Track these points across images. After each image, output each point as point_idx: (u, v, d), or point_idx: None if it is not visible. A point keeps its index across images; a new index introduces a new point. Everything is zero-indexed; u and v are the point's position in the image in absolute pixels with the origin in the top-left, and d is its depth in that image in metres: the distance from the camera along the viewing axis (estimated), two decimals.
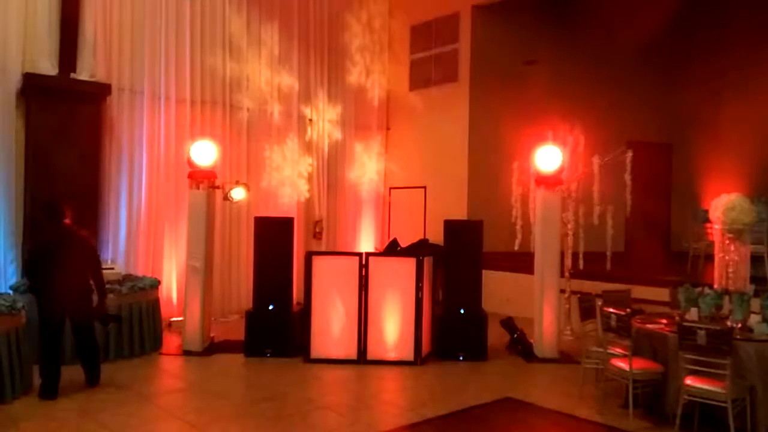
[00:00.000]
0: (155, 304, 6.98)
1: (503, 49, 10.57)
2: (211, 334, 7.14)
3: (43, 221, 5.49)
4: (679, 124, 11.49)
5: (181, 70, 8.74)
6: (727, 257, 5.74)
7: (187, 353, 6.74)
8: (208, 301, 6.97)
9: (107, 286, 5.92)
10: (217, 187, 7.15)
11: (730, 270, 5.69)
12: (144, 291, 6.76)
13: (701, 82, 11.59)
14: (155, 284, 7.08)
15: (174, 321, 7.92)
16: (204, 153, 6.91)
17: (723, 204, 5.65)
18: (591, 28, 10.80)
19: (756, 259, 7.42)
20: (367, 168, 11.17)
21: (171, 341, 7.20)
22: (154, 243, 8.39)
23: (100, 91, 7.89)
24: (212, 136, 8.43)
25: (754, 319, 5.06)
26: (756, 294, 5.47)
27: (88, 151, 7.74)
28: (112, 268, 6.91)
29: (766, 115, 10.70)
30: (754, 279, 6.46)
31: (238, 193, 7.25)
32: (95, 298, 5.58)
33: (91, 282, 5.51)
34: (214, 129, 8.85)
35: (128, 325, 6.50)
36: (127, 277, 7.03)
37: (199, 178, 6.94)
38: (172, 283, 8.42)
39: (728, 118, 11.59)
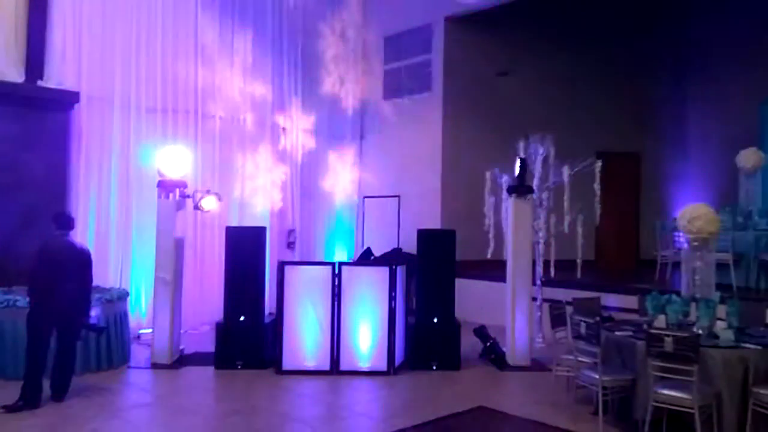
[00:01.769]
0: (123, 316, 6.85)
1: (476, 60, 10.69)
2: (181, 347, 7.02)
3: (52, 230, 5.50)
4: (646, 135, 11.74)
5: (151, 79, 8.65)
6: (693, 265, 5.85)
7: (155, 366, 6.62)
8: (177, 313, 6.85)
9: None
10: (188, 197, 7.06)
11: (697, 278, 5.80)
12: (112, 303, 6.61)
13: (668, 93, 11.87)
14: (123, 296, 6.95)
15: (143, 333, 7.77)
16: (174, 162, 6.82)
17: (689, 214, 5.76)
18: (561, 41, 11.00)
19: (722, 267, 7.60)
20: (341, 177, 11.15)
21: (140, 354, 7.06)
22: (123, 253, 8.24)
23: (68, 99, 7.77)
24: (184, 145, 8.35)
25: (720, 326, 5.16)
26: (722, 301, 5.59)
27: (55, 159, 7.61)
28: None
29: (731, 125, 10.99)
30: (720, 286, 6.60)
31: (209, 203, 7.17)
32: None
33: None
34: (185, 138, 8.76)
35: (95, 338, 6.36)
36: (95, 289, 6.84)
37: (169, 187, 6.85)
38: (141, 294, 8.27)
39: (694, 128, 11.90)
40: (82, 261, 5.50)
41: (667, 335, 4.55)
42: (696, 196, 10.78)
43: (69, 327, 5.47)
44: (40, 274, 5.30)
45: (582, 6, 10.52)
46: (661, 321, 5.20)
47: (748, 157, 8.98)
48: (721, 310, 5.40)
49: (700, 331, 4.99)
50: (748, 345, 4.81)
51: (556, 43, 10.98)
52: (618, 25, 11.30)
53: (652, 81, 11.74)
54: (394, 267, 6.64)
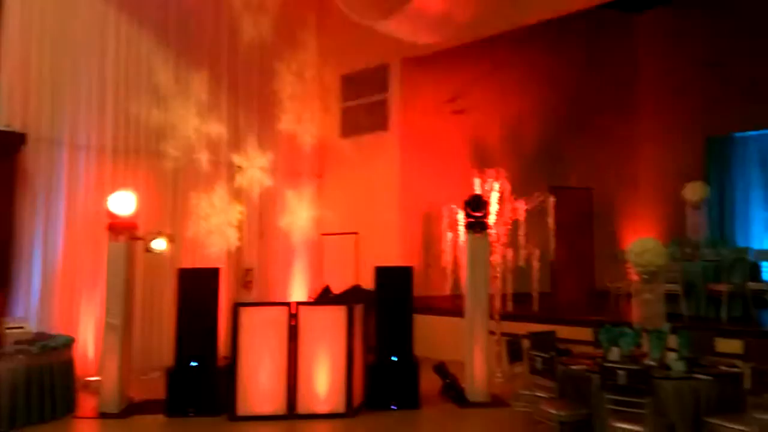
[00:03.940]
0: (68, 364, 6.55)
1: (432, 98, 10.88)
2: (130, 394, 6.74)
3: None
4: (598, 170, 12.07)
5: (102, 119, 8.50)
6: (643, 297, 5.97)
7: (103, 416, 6.33)
8: (126, 359, 6.60)
9: (17, 346, 5.95)
10: (139, 239, 6.89)
11: (647, 309, 5.91)
12: (56, 350, 6.35)
13: (618, 129, 12.28)
14: (68, 343, 6.66)
15: (90, 380, 7.44)
16: (123, 203, 6.67)
17: (637, 247, 5.91)
18: (515, 80, 11.33)
19: (672, 297, 7.78)
20: (299, 215, 11.07)
21: (87, 403, 6.73)
22: (71, 299, 7.95)
23: (14, 141, 7.54)
24: (135, 186, 8.19)
25: (671, 357, 5.24)
26: (673, 331, 5.69)
27: (0, 204, 7.35)
28: (22, 327, 6.46)
29: (678, 160, 11.43)
30: (671, 316, 6.73)
31: (159, 244, 7.00)
32: None
33: None
34: (137, 178, 8.60)
35: (38, 388, 6.06)
36: (39, 337, 6.60)
37: (119, 229, 6.68)
38: (88, 341, 7.96)
39: (643, 163, 12.32)
40: None
41: (620, 368, 4.60)
42: (646, 228, 11.11)
43: None
44: None
45: (535, 46, 10.90)
46: (614, 353, 5.26)
47: (693, 191, 9.30)
48: (673, 340, 5.50)
49: (652, 363, 5.07)
50: (699, 375, 4.90)
51: (510, 81, 11.30)
52: (570, 64, 11.74)
53: (603, 118, 12.14)
54: (351, 305, 6.57)
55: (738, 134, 11.26)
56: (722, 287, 7.92)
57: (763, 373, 4.54)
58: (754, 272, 8.64)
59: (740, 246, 9.98)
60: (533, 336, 5.98)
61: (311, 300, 10.34)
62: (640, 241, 6.04)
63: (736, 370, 5.03)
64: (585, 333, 7.25)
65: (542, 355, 5.07)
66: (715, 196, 10.58)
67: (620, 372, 4.56)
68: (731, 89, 10.71)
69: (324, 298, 10.24)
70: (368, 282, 9.33)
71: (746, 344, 5.78)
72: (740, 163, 11.22)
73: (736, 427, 4.48)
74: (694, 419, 4.69)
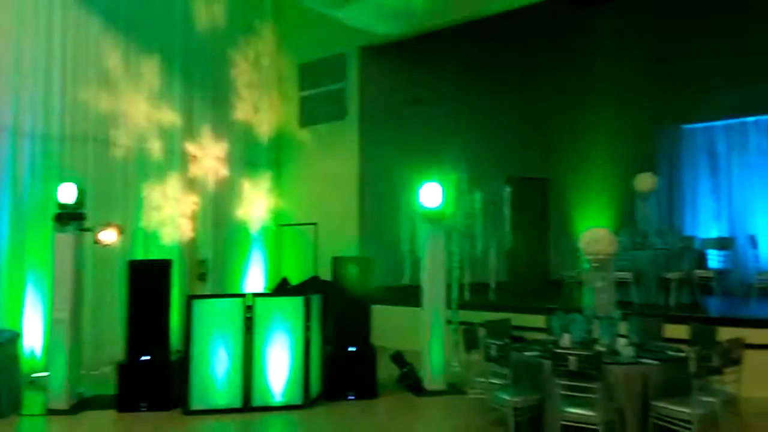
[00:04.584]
0: (13, 359, 6.33)
1: (390, 88, 10.84)
2: (80, 390, 6.54)
3: None
4: (553, 160, 12.28)
5: (49, 105, 8.18)
6: (595, 285, 6.09)
7: (51, 413, 6.12)
8: (75, 354, 6.40)
9: None
10: (87, 230, 6.67)
11: (599, 296, 6.04)
12: (1, 346, 6.11)
13: (572, 122, 12.49)
14: (14, 337, 6.43)
15: (37, 377, 7.20)
16: (70, 192, 6.43)
17: (588, 236, 6.02)
18: (474, 71, 11.40)
19: (623, 285, 7.99)
20: (256, 205, 10.92)
21: (34, 400, 6.51)
22: (16, 291, 7.65)
23: None
24: (84, 175, 7.96)
25: (621, 343, 5.38)
26: (624, 318, 5.84)
27: None
28: None
29: (629, 151, 11.70)
30: (622, 303, 6.90)
31: (108, 236, 6.78)
32: None
33: None
34: (86, 167, 8.32)
35: None
36: None
37: (67, 220, 6.44)
38: (36, 336, 7.68)
39: (597, 153, 12.57)
40: None
41: (571, 354, 4.68)
42: (598, 218, 11.38)
43: None
44: None
45: (493, 39, 10.97)
46: (565, 340, 5.36)
47: (643, 181, 9.51)
48: (624, 328, 5.64)
49: (603, 349, 5.18)
50: (647, 360, 5.04)
51: (469, 72, 11.36)
52: (526, 57, 11.86)
53: (557, 110, 12.32)
54: (309, 296, 6.52)
55: (686, 126, 11.61)
56: (671, 275, 8.18)
57: (707, 357, 4.70)
58: (701, 260, 8.95)
59: (688, 235, 10.31)
60: (488, 324, 6.05)
61: (268, 292, 10.23)
62: (592, 230, 6.16)
63: (682, 354, 5.19)
64: (539, 320, 7.38)
65: (497, 342, 5.13)
66: (665, 186, 10.87)
67: (571, 358, 4.65)
68: (679, 83, 11.01)
69: (282, 289, 10.15)
70: (327, 272, 9.31)
71: (692, 330, 5.99)
72: (688, 155, 11.57)
73: (681, 409, 4.63)
74: (642, 403, 4.82)
